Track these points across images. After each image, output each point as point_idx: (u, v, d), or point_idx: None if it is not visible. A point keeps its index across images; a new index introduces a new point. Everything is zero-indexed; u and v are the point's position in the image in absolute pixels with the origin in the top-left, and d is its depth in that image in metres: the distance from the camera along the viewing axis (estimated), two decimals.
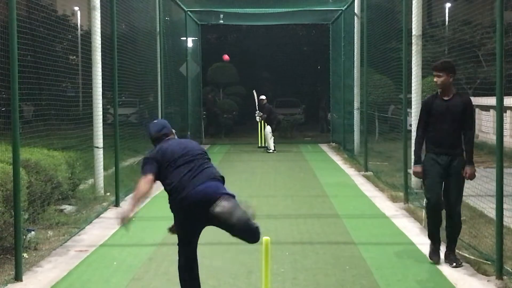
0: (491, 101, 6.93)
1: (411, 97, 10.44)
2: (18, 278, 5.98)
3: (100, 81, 10.41)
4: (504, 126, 6.17)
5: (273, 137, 18.95)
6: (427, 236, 6.71)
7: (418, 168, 6.47)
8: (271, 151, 18.60)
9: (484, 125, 17.57)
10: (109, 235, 7.95)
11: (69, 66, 13.75)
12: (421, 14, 10.23)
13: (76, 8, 28.12)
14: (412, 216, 8.84)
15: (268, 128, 18.92)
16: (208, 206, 4.80)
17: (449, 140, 6.33)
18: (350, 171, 14.16)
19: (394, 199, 10.15)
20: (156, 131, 5.39)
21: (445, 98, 6.33)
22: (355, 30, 16.63)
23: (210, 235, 7.32)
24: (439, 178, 6.34)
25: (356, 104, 16.64)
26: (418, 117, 6.74)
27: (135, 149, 14.84)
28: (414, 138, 6.80)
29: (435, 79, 6.37)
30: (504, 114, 6.46)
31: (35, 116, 10.45)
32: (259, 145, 19.93)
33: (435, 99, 6.41)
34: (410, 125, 10.26)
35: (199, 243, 7.05)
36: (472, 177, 6.33)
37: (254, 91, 20.67)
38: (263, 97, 19.81)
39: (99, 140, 10.40)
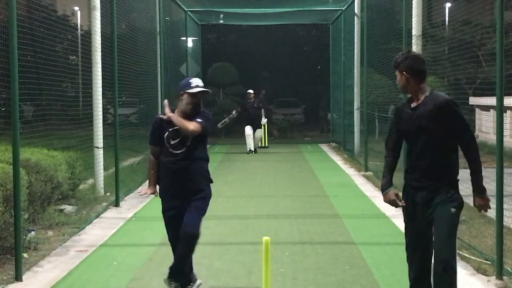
0: (491, 101, 6.93)
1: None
2: (18, 278, 5.98)
3: (100, 81, 10.41)
4: (504, 126, 6.17)
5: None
6: None
7: (390, 194, 4.58)
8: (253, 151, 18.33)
9: (484, 125, 17.57)
10: (109, 235, 7.95)
11: (69, 66, 13.77)
12: (421, 14, 10.22)
13: (76, 8, 28.16)
14: None
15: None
16: None
17: (425, 167, 4.44)
18: (350, 171, 14.17)
19: None
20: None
21: (412, 106, 4.54)
22: (355, 30, 16.64)
23: (210, 235, 7.34)
24: (419, 230, 4.51)
25: (356, 104, 16.65)
26: None
27: (135, 149, 14.84)
28: None
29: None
30: (504, 114, 6.45)
31: (35, 116, 10.46)
32: (259, 145, 19.91)
33: (404, 108, 4.65)
34: None
35: (199, 243, 7.04)
36: (483, 208, 4.46)
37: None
38: (250, 91, 18.95)
39: (99, 140, 10.40)
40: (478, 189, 4.42)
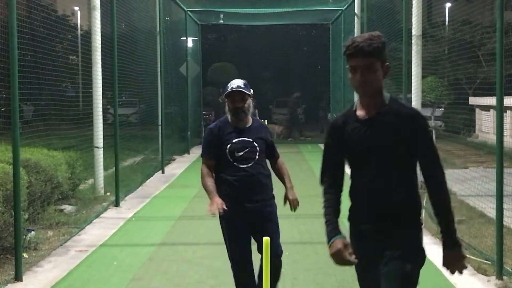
0: (491, 101, 6.92)
1: (411, 97, 10.44)
2: (18, 278, 5.98)
3: (100, 81, 10.42)
4: (504, 126, 6.17)
5: None
6: (427, 236, 6.63)
7: (338, 244, 3.27)
8: None
9: (484, 125, 17.58)
10: (109, 235, 7.95)
11: (69, 66, 13.77)
12: (421, 14, 10.23)
13: (76, 8, 28.17)
14: None
15: None
16: None
17: (380, 202, 3.21)
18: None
19: None
20: None
21: (362, 116, 3.19)
22: (355, 30, 16.64)
23: (210, 235, 7.34)
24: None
25: None
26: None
27: (135, 149, 14.84)
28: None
29: (357, 76, 3.16)
30: (504, 114, 6.44)
31: (35, 116, 10.46)
32: None
33: (349, 120, 3.28)
34: None
35: (199, 243, 7.03)
36: (459, 268, 3.08)
37: None
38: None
39: (99, 140, 10.41)
40: (452, 242, 3.03)
